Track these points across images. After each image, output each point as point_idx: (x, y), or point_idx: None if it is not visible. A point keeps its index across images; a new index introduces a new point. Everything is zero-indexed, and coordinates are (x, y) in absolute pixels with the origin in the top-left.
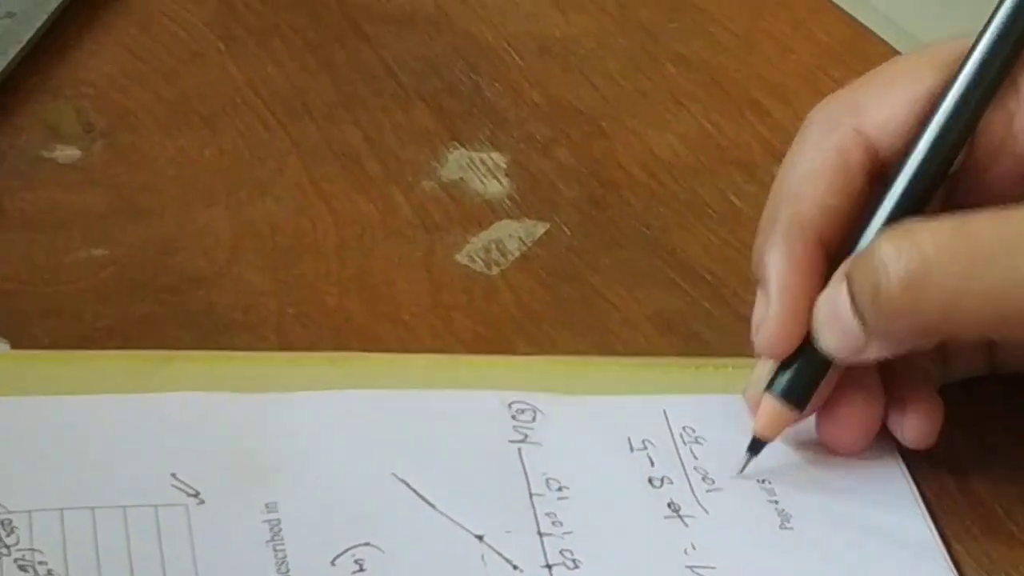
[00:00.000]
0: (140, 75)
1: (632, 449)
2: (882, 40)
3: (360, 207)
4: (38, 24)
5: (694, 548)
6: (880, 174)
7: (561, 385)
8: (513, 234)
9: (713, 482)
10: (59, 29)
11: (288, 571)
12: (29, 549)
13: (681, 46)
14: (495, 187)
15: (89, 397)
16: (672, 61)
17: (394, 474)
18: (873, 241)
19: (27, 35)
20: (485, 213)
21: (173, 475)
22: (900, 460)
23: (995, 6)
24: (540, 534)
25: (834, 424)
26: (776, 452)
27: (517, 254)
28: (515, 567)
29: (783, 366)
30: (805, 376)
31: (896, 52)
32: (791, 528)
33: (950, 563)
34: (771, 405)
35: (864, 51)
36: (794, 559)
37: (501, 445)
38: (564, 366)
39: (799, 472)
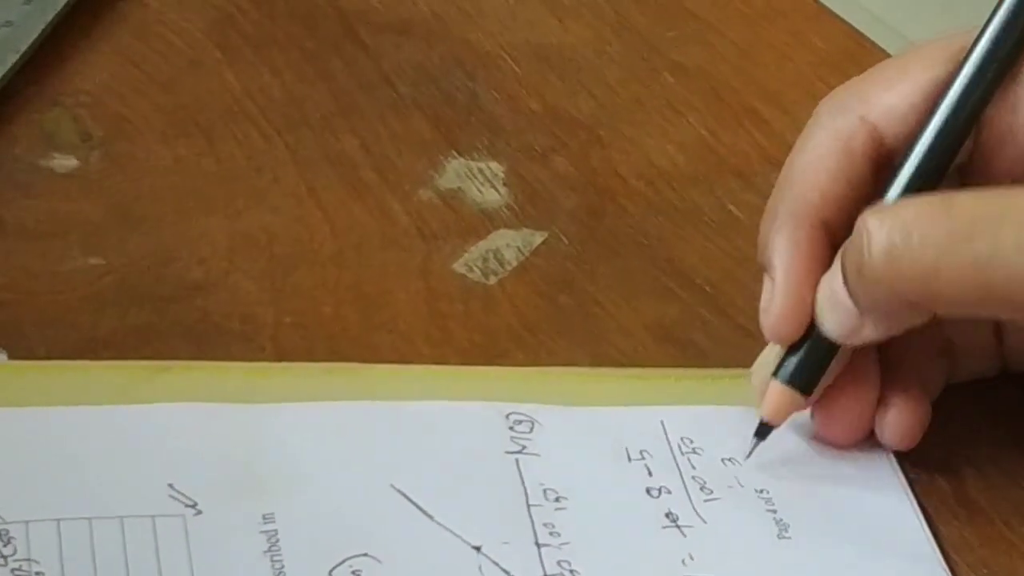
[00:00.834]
0: (137, 84)
1: (629, 459)
2: (881, 49)
3: (357, 216)
4: (36, 33)
5: (692, 558)
6: (885, 161)
7: (558, 397)
8: (511, 243)
9: (711, 492)
10: (57, 38)
11: None
12: (26, 559)
13: (679, 55)
14: (493, 196)
15: (86, 408)
16: (670, 70)
17: (391, 485)
18: (859, 217)
19: (24, 44)
20: (483, 222)
21: (170, 486)
22: (898, 470)
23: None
24: (538, 545)
25: (828, 417)
26: (774, 462)
27: (515, 263)
28: None
29: (790, 351)
30: (811, 361)
31: None
32: (789, 538)
33: (948, 573)
34: (778, 390)
35: (862, 59)
36: (792, 569)
37: (498, 456)
38: (561, 377)
39: (797, 482)
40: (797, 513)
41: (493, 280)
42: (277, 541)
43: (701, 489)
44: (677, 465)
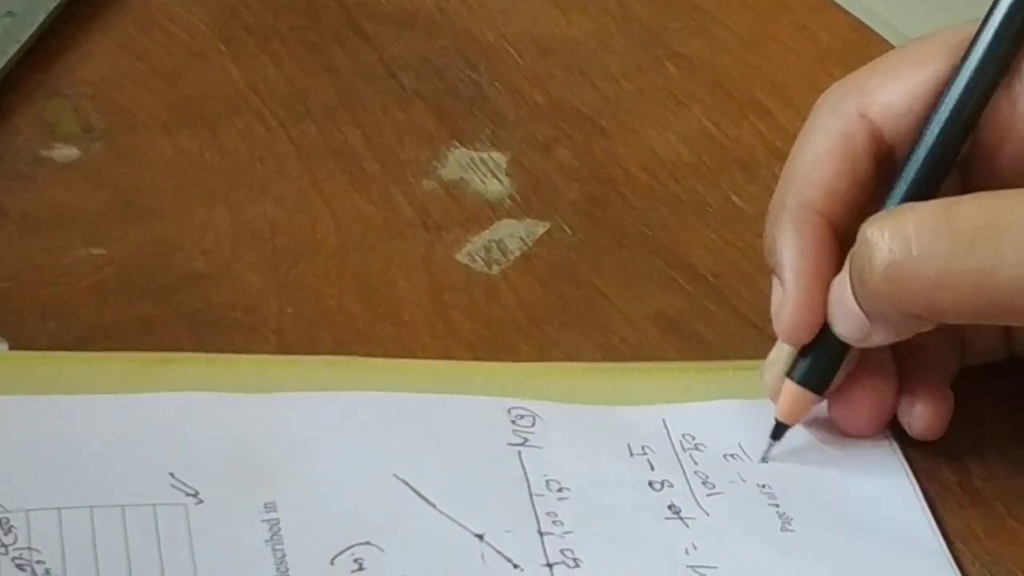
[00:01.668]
0: (139, 75)
1: (632, 454)
2: (884, 40)
3: (360, 207)
4: (37, 23)
5: (695, 548)
6: (887, 158)
7: (560, 392)
8: (514, 234)
9: (713, 486)
10: (58, 29)
11: (287, 570)
12: (27, 548)
13: (682, 46)
14: (496, 187)
15: (88, 397)
16: (673, 61)
17: (394, 474)
18: (861, 226)
19: (26, 34)
20: (486, 213)
21: (171, 475)
22: (903, 459)
23: None
24: (540, 533)
25: (846, 404)
26: (778, 456)
27: (518, 254)
28: (515, 566)
29: (802, 352)
30: (824, 362)
31: None
32: (792, 530)
33: (953, 563)
34: (792, 391)
35: (866, 51)
36: (796, 560)
37: (501, 447)
38: (563, 373)
39: (799, 476)
40: (800, 506)
41: (496, 270)
42: (279, 530)
43: (704, 483)
44: (679, 461)
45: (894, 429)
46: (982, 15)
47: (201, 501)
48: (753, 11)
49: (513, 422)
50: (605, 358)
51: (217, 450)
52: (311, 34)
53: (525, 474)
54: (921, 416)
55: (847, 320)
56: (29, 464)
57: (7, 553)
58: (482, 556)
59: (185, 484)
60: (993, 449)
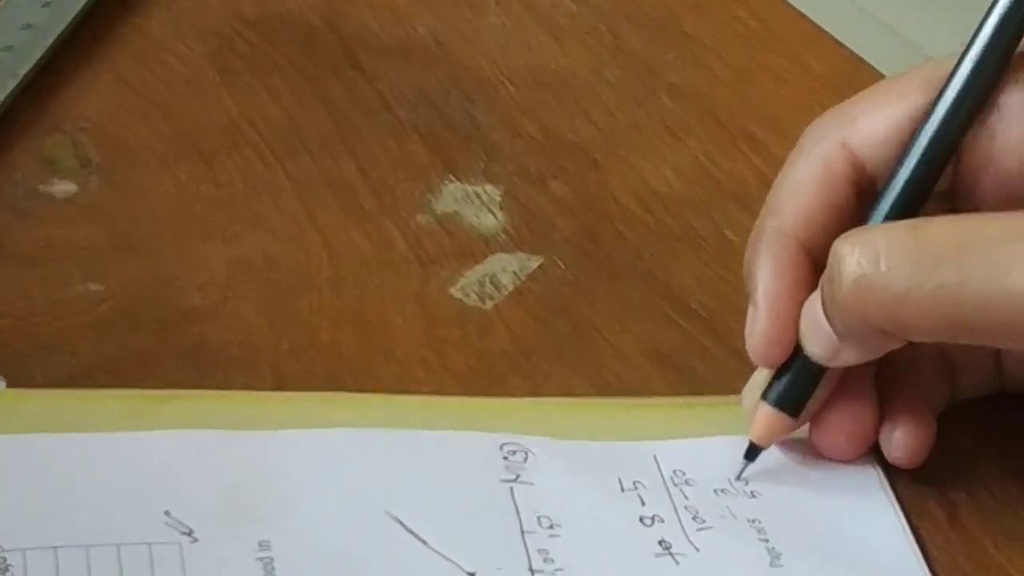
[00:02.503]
0: (137, 109)
1: (623, 489)
2: (878, 72)
3: (355, 241)
4: (35, 58)
5: None
6: (867, 187)
7: (552, 428)
8: (507, 268)
9: (704, 521)
10: (56, 63)
11: None
12: None
13: (676, 78)
14: (489, 220)
15: (83, 435)
16: (667, 93)
17: (387, 511)
18: (834, 242)
19: (24, 69)
20: (479, 247)
21: (167, 513)
22: (892, 497)
23: (978, 26)
24: (532, 571)
25: (824, 428)
26: (767, 492)
27: (511, 288)
28: None
29: (778, 374)
30: (798, 384)
31: None
32: (781, 566)
33: None
34: (767, 413)
35: (859, 82)
36: None
37: (493, 484)
38: (555, 408)
39: (789, 512)
40: (790, 542)
41: (489, 305)
42: (273, 569)
43: (694, 519)
44: (670, 496)
45: (883, 462)
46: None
47: (196, 540)
48: (747, 42)
49: (505, 458)
50: (598, 393)
51: (211, 488)
52: (308, 66)
53: (517, 511)
54: (901, 442)
55: (817, 338)
56: (26, 503)
57: None
58: None
59: (180, 522)
60: (981, 484)
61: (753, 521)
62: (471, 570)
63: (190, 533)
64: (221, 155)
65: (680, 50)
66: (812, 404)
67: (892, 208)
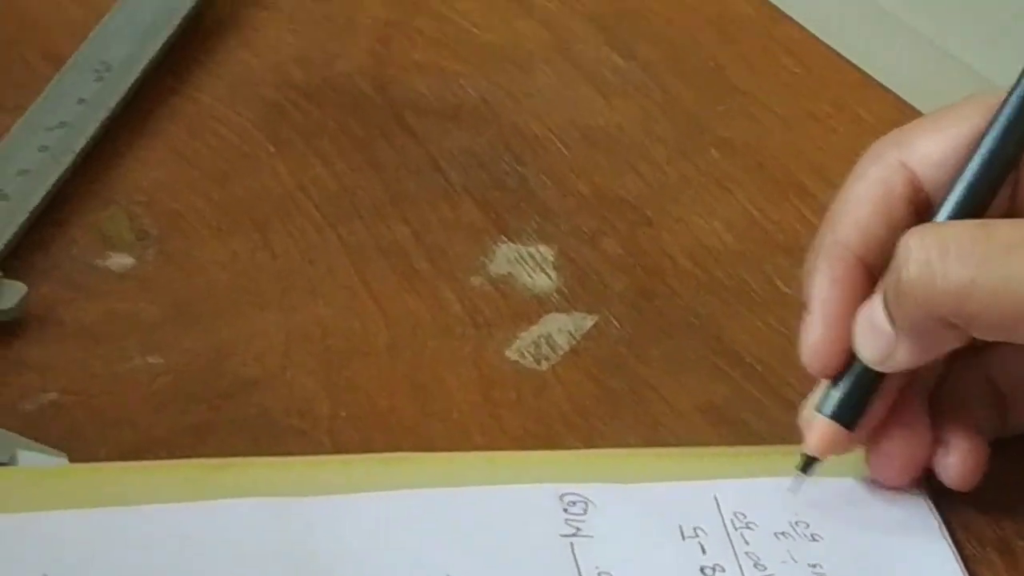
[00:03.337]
0: (191, 180)
1: (683, 537)
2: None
3: (410, 305)
4: (90, 133)
5: None
6: (924, 206)
7: (611, 475)
8: (562, 328)
9: (764, 568)
10: (110, 137)
11: None
12: None
13: (725, 130)
14: (543, 281)
15: (146, 507)
16: (716, 146)
17: (447, 574)
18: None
19: (79, 144)
20: (534, 307)
21: None
22: (950, 542)
23: None
24: None
25: (880, 455)
26: (826, 536)
27: (566, 348)
28: None
29: (832, 386)
30: (853, 394)
31: None
32: None
33: None
34: (822, 424)
35: None
36: None
37: (553, 540)
38: (614, 457)
39: (849, 555)
40: None
41: (545, 366)
42: None
43: (755, 566)
44: (731, 541)
45: (934, 495)
46: None
47: None
48: (794, 90)
49: (565, 509)
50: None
51: (275, 555)
52: (358, 131)
53: (577, 567)
54: (953, 466)
55: (871, 340)
56: None
57: None
58: None
59: None
60: None
61: (814, 566)
62: None
63: None
64: (275, 223)
65: (728, 101)
66: (868, 420)
67: (953, 211)
